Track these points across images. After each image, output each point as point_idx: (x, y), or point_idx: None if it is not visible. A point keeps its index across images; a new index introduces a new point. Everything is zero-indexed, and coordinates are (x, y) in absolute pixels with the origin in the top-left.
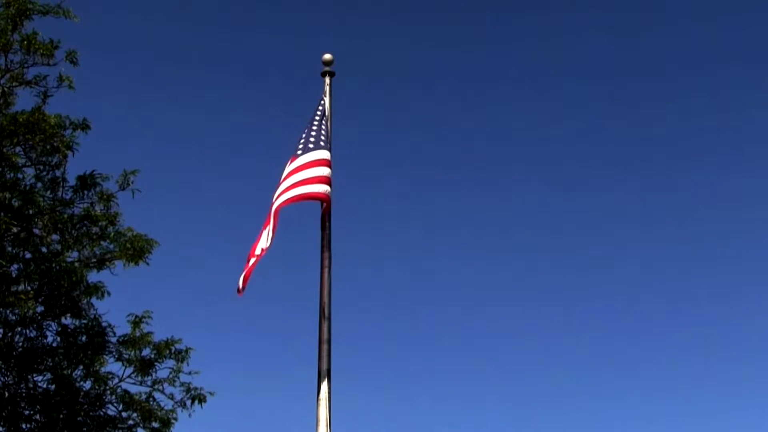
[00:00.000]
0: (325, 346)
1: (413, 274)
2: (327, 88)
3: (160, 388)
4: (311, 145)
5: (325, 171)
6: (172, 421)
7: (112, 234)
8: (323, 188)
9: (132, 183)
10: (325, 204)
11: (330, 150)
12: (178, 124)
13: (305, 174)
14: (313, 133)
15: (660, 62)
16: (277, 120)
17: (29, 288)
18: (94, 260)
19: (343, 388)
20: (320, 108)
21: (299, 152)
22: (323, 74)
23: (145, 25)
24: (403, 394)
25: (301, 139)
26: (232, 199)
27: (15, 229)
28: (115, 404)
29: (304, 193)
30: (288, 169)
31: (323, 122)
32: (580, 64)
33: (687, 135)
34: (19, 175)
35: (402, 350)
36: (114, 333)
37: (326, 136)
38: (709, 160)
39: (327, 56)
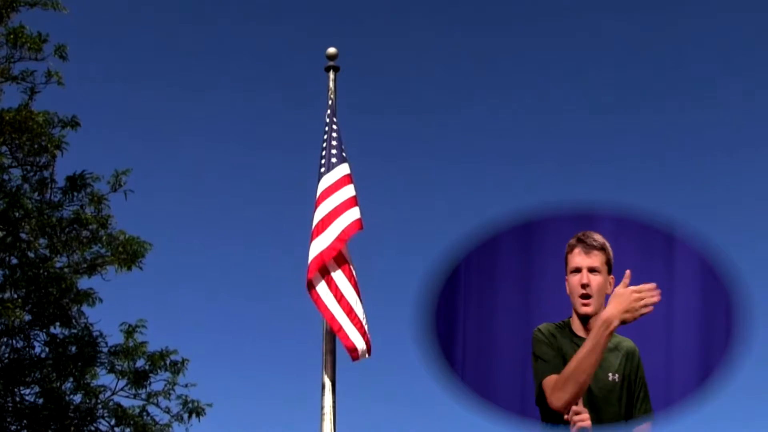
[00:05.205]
0: (329, 357)
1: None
2: (332, 84)
3: (155, 401)
4: (334, 159)
5: (351, 191)
6: None
7: (104, 237)
8: (355, 215)
9: (124, 183)
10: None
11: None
12: (173, 122)
13: (335, 200)
14: (334, 143)
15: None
16: (277, 118)
17: (16, 295)
18: (85, 265)
19: (348, 402)
20: (330, 109)
21: (323, 170)
22: (327, 69)
23: (137, 17)
24: (410, 407)
25: (323, 150)
26: (230, 199)
27: (0, 234)
28: (108, 419)
29: (343, 233)
30: (320, 189)
31: (335, 126)
32: (603, 50)
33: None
34: (5, 176)
35: (409, 362)
36: (106, 343)
37: (342, 144)
38: None
39: (331, 50)
